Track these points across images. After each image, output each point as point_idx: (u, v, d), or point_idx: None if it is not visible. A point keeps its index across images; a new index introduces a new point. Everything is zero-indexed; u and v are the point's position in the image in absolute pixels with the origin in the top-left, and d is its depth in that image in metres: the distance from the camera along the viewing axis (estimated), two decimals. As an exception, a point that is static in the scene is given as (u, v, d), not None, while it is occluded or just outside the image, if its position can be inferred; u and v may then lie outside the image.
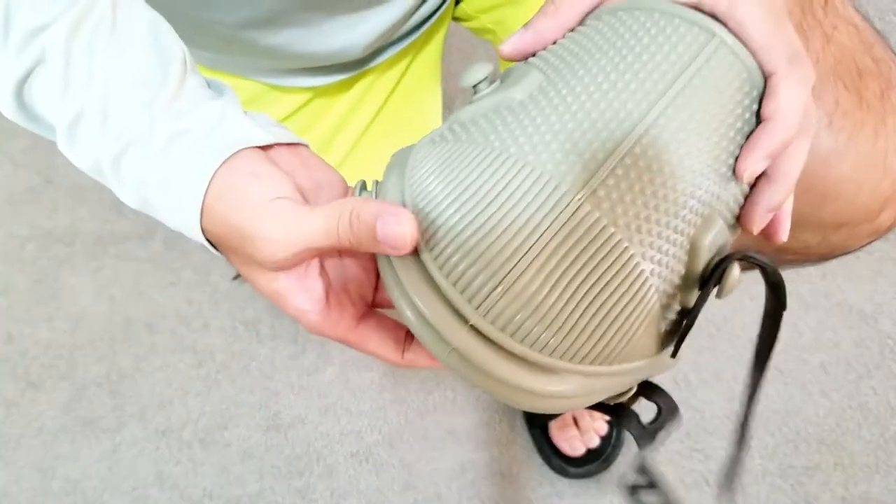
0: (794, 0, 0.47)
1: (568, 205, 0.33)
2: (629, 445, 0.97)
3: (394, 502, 0.97)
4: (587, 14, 0.39)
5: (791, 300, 1.06)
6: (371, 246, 0.34)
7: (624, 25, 0.36)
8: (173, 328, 1.09)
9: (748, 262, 0.38)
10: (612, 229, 0.33)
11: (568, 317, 0.33)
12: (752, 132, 0.35)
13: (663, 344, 0.37)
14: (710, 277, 0.35)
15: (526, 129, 0.35)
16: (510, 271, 0.33)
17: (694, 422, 0.98)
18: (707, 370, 1.01)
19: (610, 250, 0.33)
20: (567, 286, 0.33)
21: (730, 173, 0.35)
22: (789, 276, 1.20)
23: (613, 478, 0.96)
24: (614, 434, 0.96)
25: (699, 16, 0.35)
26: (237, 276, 1.10)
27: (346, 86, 0.66)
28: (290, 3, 0.53)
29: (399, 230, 0.33)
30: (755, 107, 0.36)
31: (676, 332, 0.37)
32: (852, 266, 1.05)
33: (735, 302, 1.04)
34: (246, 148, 0.37)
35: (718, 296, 0.36)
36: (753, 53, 0.35)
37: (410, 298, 0.35)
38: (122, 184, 0.38)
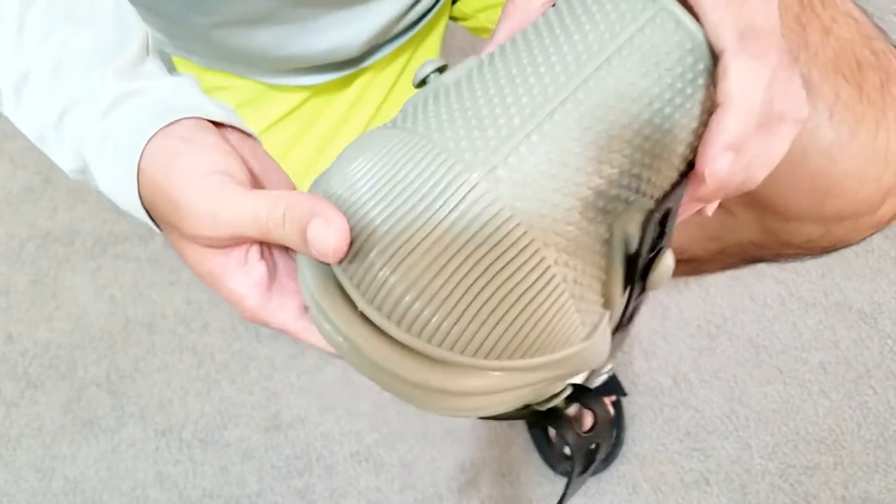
0: None
1: (462, 184, 0.29)
2: (630, 444, 0.97)
3: (394, 502, 0.96)
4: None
5: (791, 300, 1.06)
6: (301, 246, 0.31)
7: (569, 4, 0.34)
8: (173, 328, 1.09)
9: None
10: (510, 213, 0.29)
11: (457, 304, 0.29)
12: (703, 108, 0.32)
13: (586, 336, 0.33)
14: (635, 270, 0.32)
15: (439, 111, 0.32)
16: (395, 252, 0.29)
17: (694, 421, 0.98)
18: (707, 370, 1.01)
19: (506, 235, 0.29)
20: (456, 271, 0.29)
21: (664, 153, 0.32)
22: (789, 275, 1.19)
23: (613, 477, 0.96)
24: (615, 433, 0.96)
25: None
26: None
27: (343, 84, 0.66)
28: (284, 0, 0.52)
29: (324, 239, 0.30)
30: (701, 81, 0.32)
31: (600, 322, 0.33)
32: (851, 265, 1.05)
33: (735, 301, 1.04)
34: (193, 117, 0.34)
35: (646, 288, 0.33)
36: (707, 32, 0.32)
37: (306, 280, 0.32)
38: (63, 142, 0.36)
